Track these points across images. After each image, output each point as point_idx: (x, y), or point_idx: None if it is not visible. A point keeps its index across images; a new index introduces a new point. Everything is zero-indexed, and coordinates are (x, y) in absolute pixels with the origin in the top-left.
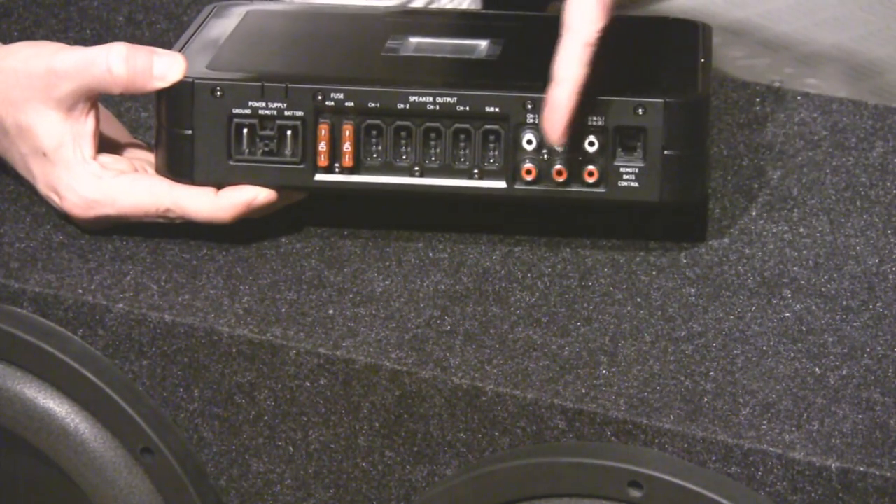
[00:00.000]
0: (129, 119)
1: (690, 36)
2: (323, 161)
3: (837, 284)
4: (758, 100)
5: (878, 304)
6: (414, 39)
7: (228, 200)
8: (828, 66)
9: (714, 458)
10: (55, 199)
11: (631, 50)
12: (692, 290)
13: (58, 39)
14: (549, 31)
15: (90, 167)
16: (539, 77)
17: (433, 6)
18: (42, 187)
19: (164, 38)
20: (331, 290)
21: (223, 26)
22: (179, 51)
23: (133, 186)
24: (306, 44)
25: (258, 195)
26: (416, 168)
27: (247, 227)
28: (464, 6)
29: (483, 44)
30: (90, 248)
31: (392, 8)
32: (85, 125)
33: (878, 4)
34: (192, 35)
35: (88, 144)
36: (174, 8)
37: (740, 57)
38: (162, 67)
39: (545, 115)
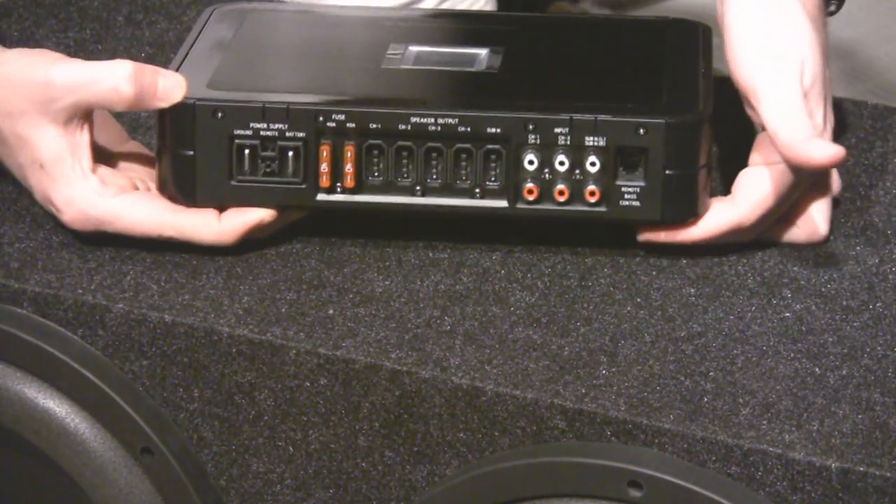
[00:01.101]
0: (129, 119)
1: (690, 41)
2: (325, 181)
3: (837, 284)
4: None
5: (878, 304)
6: (414, 48)
7: (231, 225)
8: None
9: (714, 458)
10: (53, 210)
11: (631, 60)
12: (692, 290)
13: (58, 39)
14: (549, 36)
15: (89, 183)
16: (540, 96)
17: (444, 6)
18: (39, 198)
19: (164, 38)
20: (331, 290)
21: (222, 35)
22: (180, 63)
23: (135, 208)
24: (306, 58)
25: (262, 218)
26: (418, 188)
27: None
28: (477, 6)
29: (483, 53)
30: (90, 248)
31: (392, 9)
32: (82, 137)
33: (876, 4)
34: (192, 45)
35: (86, 157)
36: (174, 8)
37: None
38: (165, 88)
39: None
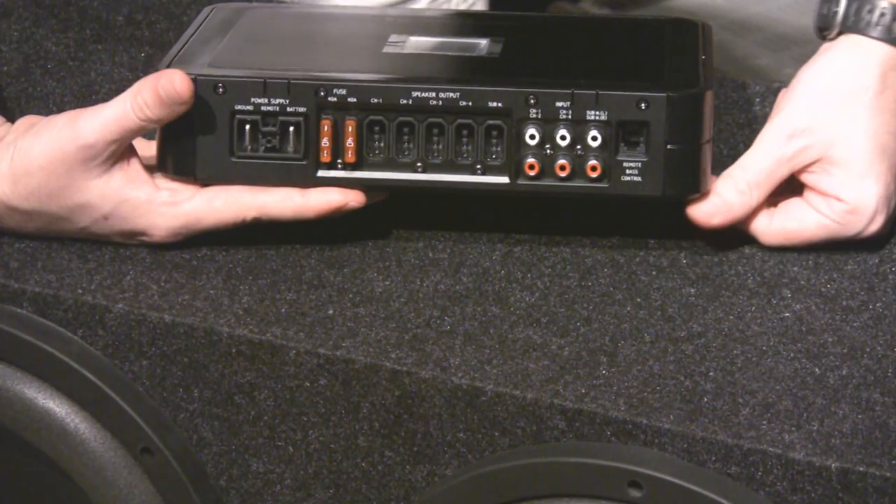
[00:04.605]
0: None
1: (691, 33)
2: (325, 157)
3: (837, 284)
4: (758, 100)
5: (878, 304)
6: (415, 38)
7: (315, 200)
8: None
9: (714, 458)
10: (142, 239)
11: (633, 47)
12: (692, 290)
13: (58, 39)
14: (549, 30)
15: (161, 199)
16: (542, 73)
17: (439, 6)
18: (120, 240)
19: (164, 38)
20: (331, 290)
21: (223, 27)
22: (178, 51)
23: (212, 203)
24: (308, 42)
25: (347, 202)
26: (419, 164)
27: (247, 227)
28: (464, 5)
29: (484, 42)
30: (90, 248)
31: (392, 8)
32: (133, 167)
33: None
34: (192, 35)
35: (146, 180)
36: (174, 8)
37: (740, 57)
38: (173, 82)
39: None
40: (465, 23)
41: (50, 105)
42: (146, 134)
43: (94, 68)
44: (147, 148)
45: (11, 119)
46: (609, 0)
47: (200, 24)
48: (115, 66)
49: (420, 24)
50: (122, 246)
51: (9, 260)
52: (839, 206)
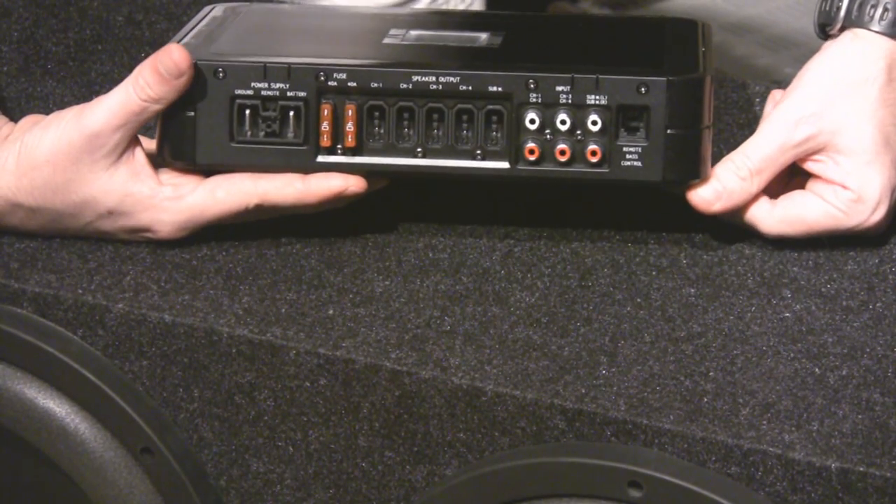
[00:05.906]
0: None
1: (691, 28)
2: (325, 142)
3: (837, 284)
4: (758, 100)
5: (878, 304)
6: (415, 32)
7: (316, 186)
8: None
9: (714, 458)
10: (144, 237)
11: (633, 39)
12: (692, 290)
13: (58, 39)
14: (549, 26)
15: (164, 193)
16: (542, 59)
17: (439, 5)
18: (125, 237)
19: (164, 38)
20: (331, 290)
21: (224, 21)
22: (179, 42)
23: (214, 193)
24: (308, 33)
25: (347, 186)
26: (419, 149)
27: (247, 227)
28: (472, 6)
29: (484, 35)
30: (90, 248)
31: (393, 8)
32: (137, 160)
33: None
34: (191, 29)
35: (150, 174)
36: (174, 8)
37: (740, 57)
38: (171, 58)
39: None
40: (465, 20)
41: (50, 105)
42: (151, 133)
43: (94, 68)
44: (153, 145)
45: (13, 120)
46: (609, 0)
47: (200, 20)
48: (115, 66)
49: (420, 20)
50: (122, 246)
51: (9, 260)
52: (845, 194)
